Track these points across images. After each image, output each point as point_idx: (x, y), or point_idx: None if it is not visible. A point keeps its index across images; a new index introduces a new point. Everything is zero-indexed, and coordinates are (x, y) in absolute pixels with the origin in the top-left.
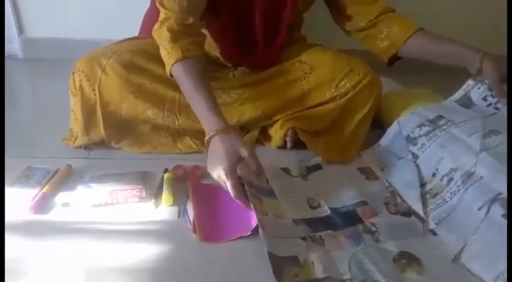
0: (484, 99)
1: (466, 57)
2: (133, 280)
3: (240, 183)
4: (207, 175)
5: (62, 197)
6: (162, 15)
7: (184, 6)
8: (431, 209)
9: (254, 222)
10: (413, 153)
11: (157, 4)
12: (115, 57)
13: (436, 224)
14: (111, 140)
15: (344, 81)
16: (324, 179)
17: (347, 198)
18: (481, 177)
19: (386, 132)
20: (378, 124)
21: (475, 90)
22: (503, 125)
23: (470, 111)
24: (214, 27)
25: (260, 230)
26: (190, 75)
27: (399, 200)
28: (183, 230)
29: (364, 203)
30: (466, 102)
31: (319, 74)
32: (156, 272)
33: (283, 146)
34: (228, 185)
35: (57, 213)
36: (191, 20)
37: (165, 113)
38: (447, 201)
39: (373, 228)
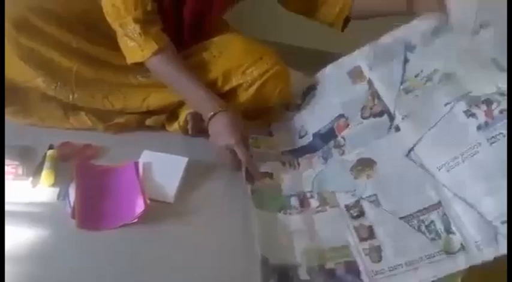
0: None
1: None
2: None
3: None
4: (99, 155)
5: None
6: (117, 2)
7: None
8: (402, 104)
9: (140, 209)
10: (405, 57)
11: None
12: (6, 12)
13: (402, 118)
14: None
15: (251, 68)
16: (314, 103)
17: (328, 116)
18: (457, 76)
19: (391, 33)
20: None
21: None
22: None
23: (473, 2)
24: None
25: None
26: (173, 64)
27: (376, 101)
28: (61, 214)
29: (341, 115)
30: None
31: (227, 59)
32: (28, 259)
33: (186, 132)
34: (240, 152)
35: None
36: (149, 5)
37: (59, 83)
38: (418, 96)
39: (342, 142)
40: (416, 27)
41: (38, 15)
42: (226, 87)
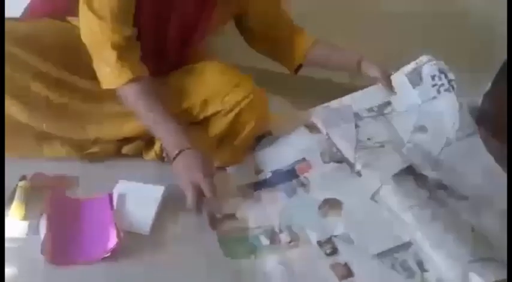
0: (432, 77)
1: (346, 61)
2: None
3: None
4: (73, 185)
5: None
6: (94, 25)
7: (116, 13)
8: (360, 155)
9: (112, 243)
10: (356, 123)
11: (85, 7)
12: None
13: (362, 166)
14: None
15: (229, 96)
16: (271, 148)
17: (288, 158)
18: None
19: (339, 99)
20: None
21: (427, 65)
22: (435, 113)
23: (414, 94)
24: None
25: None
26: (145, 96)
27: (334, 150)
28: (32, 250)
29: (303, 159)
30: (415, 79)
31: (204, 87)
32: None
33: (163, 160)
34: (207, 186)
35: None
36: (128, 31)
37: (32, 111)
38: (374, 153)
39: (306, 181)
40: (361, 101)
41: (10, 41)
42: (203, 115)
